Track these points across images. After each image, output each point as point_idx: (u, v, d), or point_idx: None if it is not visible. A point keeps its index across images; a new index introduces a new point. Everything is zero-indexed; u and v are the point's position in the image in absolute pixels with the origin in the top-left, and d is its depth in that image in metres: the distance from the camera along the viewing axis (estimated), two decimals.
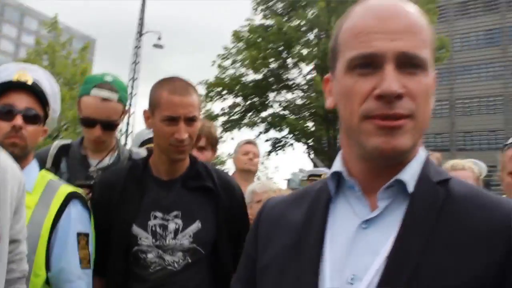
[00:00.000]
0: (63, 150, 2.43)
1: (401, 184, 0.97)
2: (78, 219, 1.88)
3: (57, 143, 2.47)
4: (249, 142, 4.28)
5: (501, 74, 39.50)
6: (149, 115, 2.06)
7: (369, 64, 0.94)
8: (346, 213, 1.02)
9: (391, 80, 0.90)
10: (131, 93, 22.39)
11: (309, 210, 1.08)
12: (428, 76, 0.96)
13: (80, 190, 1.98)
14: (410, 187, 0.97)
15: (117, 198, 2.03)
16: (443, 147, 35.18)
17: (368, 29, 0.94)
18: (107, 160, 2.44)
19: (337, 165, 1.06)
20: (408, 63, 0.93)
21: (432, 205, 0.95)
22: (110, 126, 2.37)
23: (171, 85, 1.99)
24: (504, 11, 39.78)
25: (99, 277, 2.01)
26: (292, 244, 1.04)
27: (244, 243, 1.24)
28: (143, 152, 2.75)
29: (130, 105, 21.55)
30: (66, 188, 1.91)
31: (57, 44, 19.50)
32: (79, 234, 1.86)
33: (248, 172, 3.98)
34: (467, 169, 2.62)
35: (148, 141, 3.31)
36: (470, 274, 0.86)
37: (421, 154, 1.03)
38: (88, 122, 2.33)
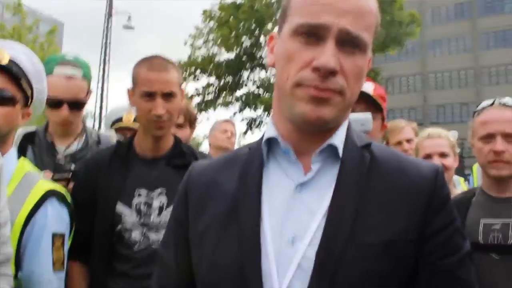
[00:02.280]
0: (28, 138, 2.33)
1: (332, 148, 1.04)
2: (54, 219, 1.77)
3: (21, 131, 2.35)
4: (227, 121, 4.34)
5: (472, 47, 40.20)
6: (131, 93, 2.08)
7: (313, 34, 0.98)
8: (280, 177, 1.06)
9: (329, 55, 0.95)
10: (103, 75, 21.98)
11: (242, 175, 1.09)
12: (365, 57, 1.02)
13: (59, 187, 1.87)
14: (340, 151, 1.04)
15: (103, 177, 2.03)
16: (417, 121, 35.66)
17: (320, 1, 0.98)
18: (75, 146, 2.36)
19: (270, 130, 1.09)
20: (349, 41, 0.98)
21: (360, 167, 1.03)
22: (77, 105, 2.28)
23: (149, 62, 2.03)
24: None
25: (82, 263, 2.00)
26: (229, 209, 1.06)
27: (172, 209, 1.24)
28: (112, 134, 2.69)
29: (102, 88, 21.32)
30: (44, 185, 1.78)
31: (22, 28, 18.93)
32: (54, 235, 1.76)
33: (225, 150, 3.95)
34: (443, 137, 2.64)
35: (118, 120, 3.25)
36: (398, 228, 0.97)
37: (346, 121, 1.11)
38: (54, 103, 2.22)
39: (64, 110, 2.23)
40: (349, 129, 1.10)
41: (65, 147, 2.33)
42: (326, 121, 1.00)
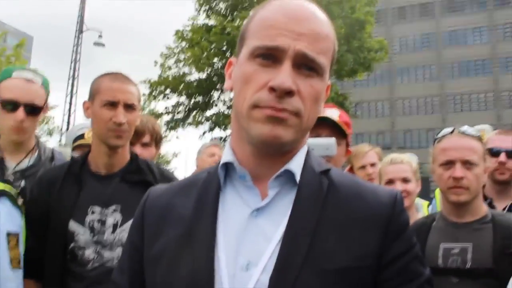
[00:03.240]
0: None
1: (289, 174, 1.04)
2: (7, 218, 1.77)
3: None
4: (215, 144, 4.35)
5: (437, 75, 41.52)
6: (88, 105, 2.05)
7: (270, 57, 0.98)
8: (236, 202, 1.05)
9: (285, 76, 0.95)
10: (71, 91, 21.65)
11: (198, 199, 1.08)
12: (322, 82, 1.02)
13: (9, 187, 1.85)
14: (297, 177, 1.04)
15: (56, 194, 1.98)
16: (385, 145, 36.44)
17: (277, 25, 0.99)
18: (26, 162, 2.26)
19: (227, 155, 1.08)
20: (305, 65, 0.98)
21: (317, 193, 1.02)
22: (34, 109, 2.18)
23: (112, 75, 2.04)
24: (438, 17, 41.84)
25: (35, 280, 1.93)
26: (184, 234, 1.04)
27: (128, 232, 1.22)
28: (67, 151, 2.62)
29: (70, 103, 20.95)
30: None
31: None
32: (8, 234, 1.75)
33: None
34: (405, 163, 2.69)
35: (80, 137, 3.21)
36: (355, 254, 0.96)
37: (304, 147, 1.11)
38: (10, 105, 2.13)
39: (20, 113, 2.13)
40: (308, 154, 1.10)
41: (16, 164, 2.23)
42: (283, 141, 0.98)
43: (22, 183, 2.14)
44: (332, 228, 0.98)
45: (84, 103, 2.07)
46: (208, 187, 1.09)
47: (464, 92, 39.95)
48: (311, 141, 1.99)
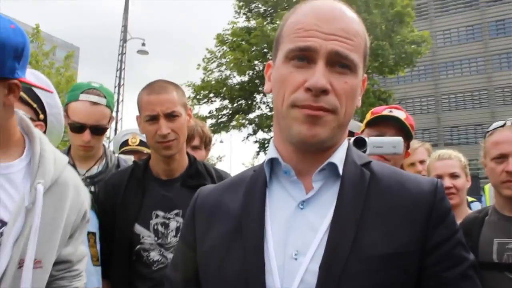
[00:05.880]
0: None
1: (333, 167, 1.09)
2: None
3: None
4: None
5: (484, 68, 40.04)
6: (139, 121, 2.14)
7: (304, 58, 1.04)
8: (283, 196, 1.11)
9: (320, 75, 1.00)
10: (118, 99, 22.26)
11: (246, 195, 1.14)
12: (356, 77, 1.07)
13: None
14: (340, 169, 1.09)
15: (121, 199, 2.08)
16: (431, 142, 35.36)
17: (308, 27, 1.04)
18: (95, 169, 2.44)
19: (272, 152, 1.15)
20: (338, 63, 1.03)
21: (360, 184, 1.07)
22: (99, 130, 2.37)
23: (149, 87, 2.09)
24: (483, 7, 40.36)
25: (106, 280, 2.05)
26: (233, 229, 1.10)
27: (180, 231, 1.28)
28: (131, 158, 2.75)
29: (117, 111, 21.55)
30: None
31: (39, 54, 19.31)
32: (88, 233, 1.89)
33: None
34: (453, 158, 2.65)
35: (124, 143, 3.34)
36: (399, 241, 1.00)
37: (345, 141, 1.16)
38: (77, 127, 2.32)
39: (86, 135, 2.31)
40: (349, 148, 1.15)
41: (86, 170, 2.41)
42: (321, 139, 1.04)
43: (92, 188, 2.28)
44: (376, 216, 1.02)
45: (137, 118, 2.17)
46: (255, 183, 1.15)
47: None
48: (379, 139, 2.03)
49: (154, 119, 2.02)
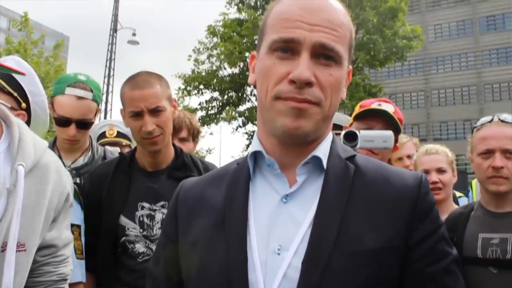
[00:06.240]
0: None
1: (317, 160, 1.07)
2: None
3: None
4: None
5: (474, 64, 40.29)
6: (123, 114, 2.11)
7: (288, 49, 1.02)
8: (266, 190, 1.09)
9: (304, 67, 0.98)
10: (107, 90, 22.11)
11: (229, 189, 1.12)
12: (341, 69, 1.05)
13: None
14: (324, 163, 1.07)
15: (106, 190, 2.06)
16: (420, 137, 35.65)
17: (292, 17, 1.02)
18: (81, 160, 2.43)
19: (255, 145, 1.13)
20: (323, 54, 1.01)
21: (344, 178, 1.06)
22: (84, 124, 2.35)
23: (132, 81, 2.03)
24: (475, 2, 40.52)
25: (89, 272, 2.03)
26: (216, 222, 1.08)
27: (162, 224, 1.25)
28: (117, 151, 2.74)
29: (106, 102, 21.40)
30: None
31: (28, 42, 19.10)
32: (72, 225, 1.84)
33: None
34: (440, 153, 2.66)
35: (102, 136, 3.32)
36: (383, 236, 0.99)
37: (329, 134, 1.14)
38: (63, 121, 2.29)
39: (72, 129, 2.29)
40: (333, 141, 1.14)
41: (72, 162, 2.39)
42: (306, 132, 1.02)
43: (77, 180, 2.26)
44: (360, 211, 1.01)
45: (121, 111, 2.13)
46: (238, 177, 1.14)
47: (503, 80, 38.61)
48: (369, 133, 2.02)
49: (138, 115, 1.99)
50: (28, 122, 1.87)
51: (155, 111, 1.99)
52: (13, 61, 1.88)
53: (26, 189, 1.36)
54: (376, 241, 0.98)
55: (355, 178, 1.06)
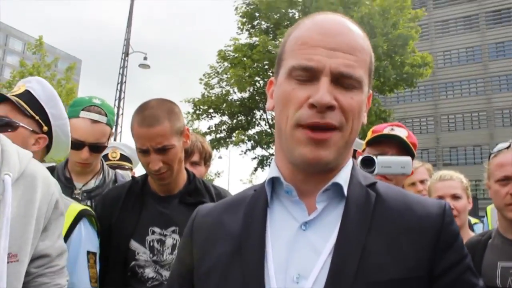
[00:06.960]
0: None
1: (337, 187, 1.05)
2: (88, 238, 1.86)
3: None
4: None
5: (484, 90, 40.25)
6: (135, 145, 2.10)
7: (307, 74, 1.00)
8: (284, 217, 1.06)
9: (324, 92, 0.97)
10: (118, 113, 22.29)
11: (246, 216, 1.10)
12: (361, 93, 1.03)
13: (89, 208, 1.96)
14: (345, 190, 1.05)
15: (118, 213, 2.05)
16: (430, 162, 35.36)
17: (311, 43, 1.01)
18: (92, 183, 2.43)
19: (273, 171, 1.11)
20: (342, 79, 1.00)
21: (365, 206, 1.03)
22: (97, 148, 2.35)
23: (140, 115, 1.98)
24: (484, 29, 40.72)
25: None
26: (233, 250, 1.06)
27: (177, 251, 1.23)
28: (129, 174, 2.73)
29: (116, 124, 21.56)
30: (76, 206, 1.87)
31: (42, 65, 19.40)
32: (88, 253, 1.84)
33: None
34: (455, 179, 2.62)
35: (104, 158, 3.33)
36: (406, 266, 0.95)
37: (350, 161, 1.11)
38: (76, 144, 2.28)
39: (85, 152, 2.30)
40: (353, 168, 1.11)
41: (83, 184, 2.39)
42: (326, 162, 1.01)
43: (88, 203, 2.25)
44: (381, 240, 0.98)
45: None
46: (255, 203, 1.11)
47: None
48: (387, 159, 1.99)
49: (145, 152, 1.97)
50: (49, 145, 1.88)
51: (162, 150, 1.96)
52: (36, 82, 1.90)
53: (14, 199, 1.35)
54: (399, 271, 0.95)
55: (377, 206, 1.03)
